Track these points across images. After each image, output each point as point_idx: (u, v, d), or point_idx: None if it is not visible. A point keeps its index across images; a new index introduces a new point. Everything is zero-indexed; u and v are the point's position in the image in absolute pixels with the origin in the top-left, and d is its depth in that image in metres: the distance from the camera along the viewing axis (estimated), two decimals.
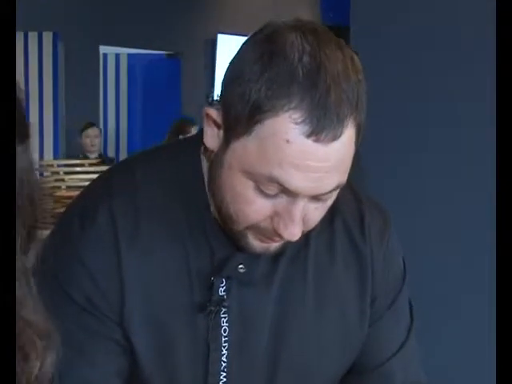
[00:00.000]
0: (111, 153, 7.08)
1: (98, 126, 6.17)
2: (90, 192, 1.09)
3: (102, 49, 7.00)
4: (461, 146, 1.80)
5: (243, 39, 1.00)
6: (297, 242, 1.03)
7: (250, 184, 0.95)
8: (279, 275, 1.07)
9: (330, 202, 0.99)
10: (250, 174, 0.94)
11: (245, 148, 0.93)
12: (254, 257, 1.04)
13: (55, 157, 5.97)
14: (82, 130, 5.86)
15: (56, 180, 2.42)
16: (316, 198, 0.96)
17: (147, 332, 1.04)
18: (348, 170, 0.96)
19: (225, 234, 1.04)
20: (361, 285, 1.12)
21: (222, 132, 0.97)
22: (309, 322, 1.10)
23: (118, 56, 7.33)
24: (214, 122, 0.97)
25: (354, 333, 1.13)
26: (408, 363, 1.18)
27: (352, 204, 1.11)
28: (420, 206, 1.89)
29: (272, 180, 0.92)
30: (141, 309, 1.03)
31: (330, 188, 0.95)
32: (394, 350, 1.16)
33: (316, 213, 0.99)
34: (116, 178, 1.07)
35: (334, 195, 0.98)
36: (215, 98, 6.57)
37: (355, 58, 0.95)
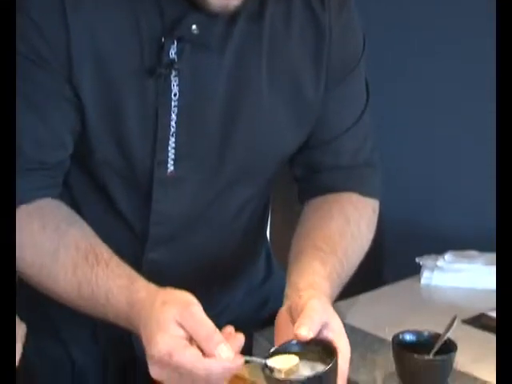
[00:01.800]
0: None
1: None
2: None
3: None
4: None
5: None
6: (253, 7, 1.04)
7: None
8: (234, 42, 1.06)
9: None
10: None
11: None
12: (208, 18, 1.02)
13: None
14: None
15: None
16: None
17: (96, 91, 1.03)
18: None
19: None
20: (317, 56, 1.12)
21: None
22: (262, 96, 1.09)
23: None
24: None
25: (309, 106, 1.14)
26: (360, 142, 1.21)
27: None
28: None
29: None
30: (89, 66, 1.02)
31: None
32: (346, 126, 1.19)
33: None
34: None
35: None
36: None
37: None
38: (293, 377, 0.94)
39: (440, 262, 1.56)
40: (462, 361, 1.19)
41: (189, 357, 0.88)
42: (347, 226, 1.17)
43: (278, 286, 1.35)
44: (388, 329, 1.24)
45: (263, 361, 0.94)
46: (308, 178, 1.24)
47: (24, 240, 1.02)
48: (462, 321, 1.37)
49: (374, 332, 1.31)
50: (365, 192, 1.23)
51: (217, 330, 0.91)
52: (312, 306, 0.96)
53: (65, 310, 1.07)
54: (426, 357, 1.12)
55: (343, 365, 0.95)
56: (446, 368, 1.13)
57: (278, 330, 1.02)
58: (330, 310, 0.99)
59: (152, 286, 0.99)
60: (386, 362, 1.20)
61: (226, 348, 0.89)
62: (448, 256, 1.58)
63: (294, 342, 0.96)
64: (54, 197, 1.09)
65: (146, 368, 0.91)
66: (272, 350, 0.97)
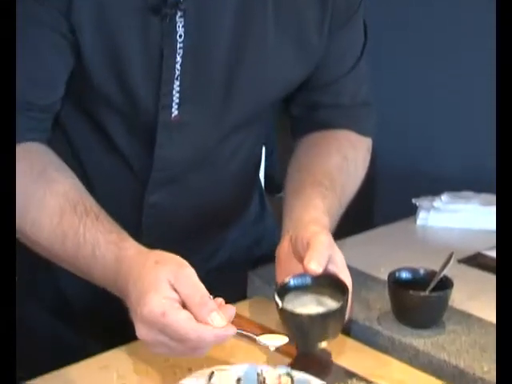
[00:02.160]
0: None
1: None
2: None
3: None
4: None
5: None
6: None
7: None
8: None
9: None
10: None
11: None
12: None
13: None
14: None
15: None
16: None
17: (96, 28, 1.00)
18: None
19: None
20: (322, 3, 1.11)
21: None
22: (268, 34, 1.08)
23: None
24: None
25: (312, 48, 1.13)
26: (359, 83, 1.22)
27: None
28: None
29: None
30: (90, 2, 0.99)
31: None
32: (348, 68, 1.19)
33: None
34: None
35: None
36: None
37: None
38: (308, 311, 0.95)
39: (436, 203, 1.55)
40: (458, 298, 1.19)
41: (182, 320, 0.86)
42: (345, 163, 1.18)
43: (271, 225, 1.36)
44: (383, 268, 1.23)
45: (254, 336, 0.94)
46: (305, 115, 1.23)
47: None
48: (458, 260, 1.36)
49: (368, 272, 1.30)
50: (361, 130, 1.24)
51: (210, 296, 0.90)
52: (320, 240, 0.97)
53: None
54: (422, 293, 1.11)
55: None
56: (442, 304, 1.12)
57: (280, 263, 1.03)
58: (333, 243, 1.00)
59: (142, 246, 0.96)
60: (381, 300, 1.20)
61: (219, 317, 0.88)
62: (444, 197, 1.57)
63: (306, 275, 0.98)
64: (42, 141, 1.06)
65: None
66: (282, 283, 0.98)
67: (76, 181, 1.04)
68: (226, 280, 1.25)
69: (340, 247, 1.03)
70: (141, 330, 0.89)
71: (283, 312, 0.96)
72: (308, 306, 0.97)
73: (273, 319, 1.15)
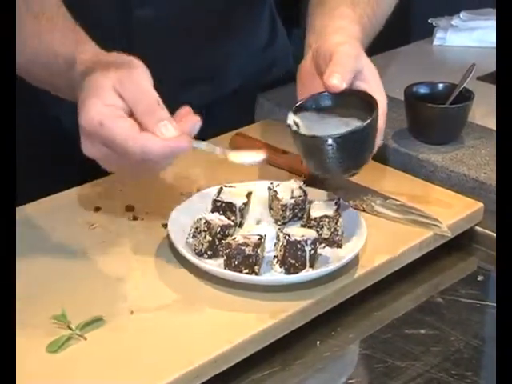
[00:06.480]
0: None
1: None
2: None
3: None
4: None
5: None
6: None
7: None
8: None
9: None
10: None
11: None
12: None
13: None
14: None
15: None
16: None
17: None
18: None
19: None
20: None
21: None
22: None
23: None
24: None
25: None
26: None
27: None
28: None
29: None
30: None
31: None
32: None
33: None
34: None
35: None
36: None
37: None
38: (326, 133, 0.81)
39: (455, 21, 1.46)
40: (478, 115, 1.14)
41: (121, 128, 0.74)
42: None
43: (282, 52, 1.28)
44: (398, 89, 1.17)
45: (216, 148, 0.80)
46: None
47: None
48: (477, 78, 1.30)
49: None
50: None
51: (161, 104, 0.77)
52: (344, 51, 0.84)
53: None
54: (442, 106, 1.06)
55: (380, 119, 0.84)
56: (462, 118, 1.07)
57: (301, 84, 0.90)
58: (363, 55, 0.87)
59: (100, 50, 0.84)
60: (397, 119, 1.15)
61: (171, 126, 0.75)
62: (463, 14, 1.48)
63: (325, 93, 0.85)
64: None
65: None
66: (298, 103, 0.85)
67: None
68: (237, 108, 1.20)
69: None
70: (84, 144, 0.77)
71: (296, 136, 0.82)
72: (329, 130, 0.82)
73: (283, 141, 1.10)
